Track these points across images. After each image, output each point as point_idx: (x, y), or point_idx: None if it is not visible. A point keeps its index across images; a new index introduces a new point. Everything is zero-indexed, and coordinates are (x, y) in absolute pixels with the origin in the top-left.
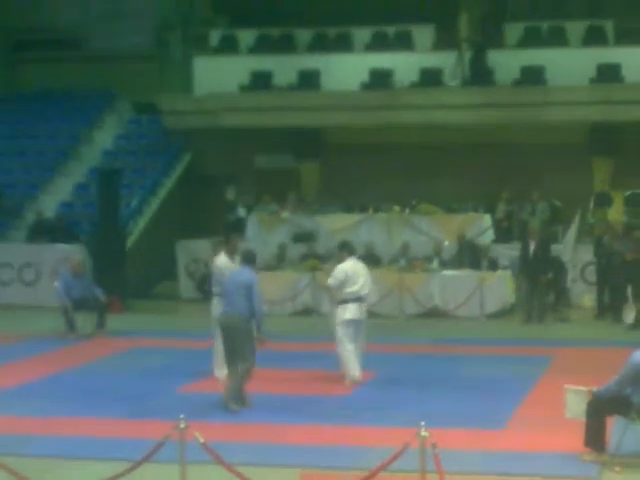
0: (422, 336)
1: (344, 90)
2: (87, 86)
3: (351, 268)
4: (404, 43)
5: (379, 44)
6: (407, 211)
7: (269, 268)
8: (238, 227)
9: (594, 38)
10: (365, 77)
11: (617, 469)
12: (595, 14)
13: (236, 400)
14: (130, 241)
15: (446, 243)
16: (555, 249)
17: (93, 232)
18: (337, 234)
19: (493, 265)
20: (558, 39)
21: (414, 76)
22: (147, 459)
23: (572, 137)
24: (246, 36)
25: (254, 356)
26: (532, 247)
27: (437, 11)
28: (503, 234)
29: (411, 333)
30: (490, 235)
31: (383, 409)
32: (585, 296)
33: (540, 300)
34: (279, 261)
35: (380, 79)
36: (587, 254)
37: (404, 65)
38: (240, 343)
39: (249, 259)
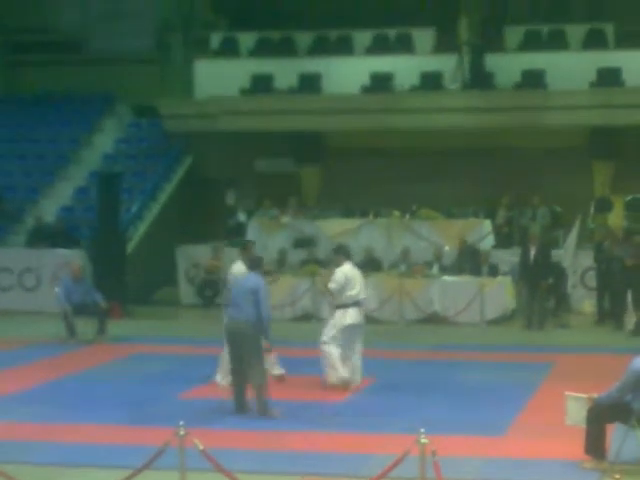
0: (422, 342)
1: (345, 93)
2: (87, 89)
3: (350, 272)
4: (405, 46)
5: (380, 47)
6: (407, 216)
7: (269, 273)
8: (238, 232)
9: (594, 42)
10: (366, 80)
11: (617, 476)
12: (595, 17)
13: (264, 405)
14: (130, 246)
15: (446, 249)
16: (555, 255)
17: (93, 237)
18: (337, 239)
19: (493, 271)
20: (558, 43)
21: (414, 79)
22: (147, 466)
23: (572, 141)
24: (247, 39)
25: (263, 363)
26: (532, 253)
27: (437, 14)
28: (503, 240)
29: (411, 339)
30: (490, 241)
31: (383, 415)
32: (585, 302)
33: (540, 306)
34: (279, 266)
35: (380, 82)
36: (587, 259)
37: (404, 68)
38: (247, 350)
39: (256, 265)
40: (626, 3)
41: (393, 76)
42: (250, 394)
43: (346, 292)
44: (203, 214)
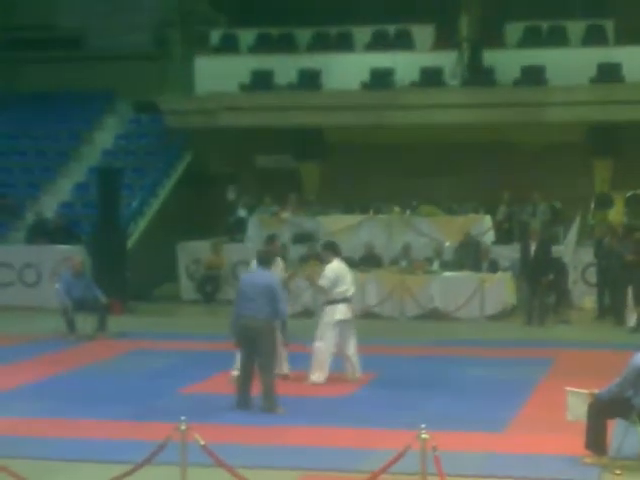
0: (423, 338)
1: (345, 89)
2: (87, 86)
3: (340, 268)
4: (404, 43)
5: (379, 44)
6: (408, 212)
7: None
8: (239, 228)
9: (594, 38)
10: (365, 77)
11: (618, 472)
12: (595, 14)
13: (274, 402)
14: (130, 242)
15: (447, 244)
16: (556, 250)
17: (93, 233)
18: (337, 235)
19: (494, 267)
20: (558, 39)
21: (414, 76)
22: (148, 461)
23: (573, 137)
24: (247, 35)
25: (275, 361)
26: (533, 249)
27: (437, 10)
28: (504, 236)
29: (412, 335)
30: (491, 236)
31: (384, 411)
32: (586, 298)
33: (541, 302)
34: None
35: (380, 78)
36: (588, 255)
37: (404, 64)
38: (260, 347)
39: (265, 260)
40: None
41: (393, 72)
42: (255, 390)
43: (336, 288)
44: (203, 210)
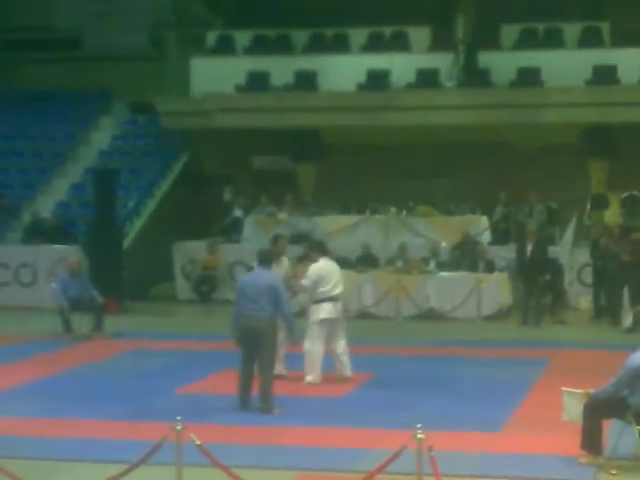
0: (419, 338)
1: (341, 91)
2: (84, 86)
3: (323, 268)
4: (400, 44)
5: (376, 45)
6: (404, 213)
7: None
8: (235, 228)
9: (590, 40)
10: (362, 78)
11: (613, 472)
12: (591, 15)
13: (270, 403)
14: (127, 242)
15: (443, 245)
16: (552, 251)
17: (90, 233)
18: (334, 236)
19: (490, 267)
20: (554, 40)
21: (410, 77)
22: (144, 461)
23: (569, 138)
24: (243, 37)
25: (274, 361)
26: (529, 249)
27: (433, 12)
28: (500, 236)
29: (408, 335)
30: (487, 237)
31: (380, 411)
32: (582, 298)
33: (537, 302)
34: None
35: (377, 80)
36: (584, 256)
37: (401, 66)
38: (262, 347)
39: (266, 260)
40: (622, 1)
41: (389, 73)
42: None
43: (319, 288)
44: (200, 210)
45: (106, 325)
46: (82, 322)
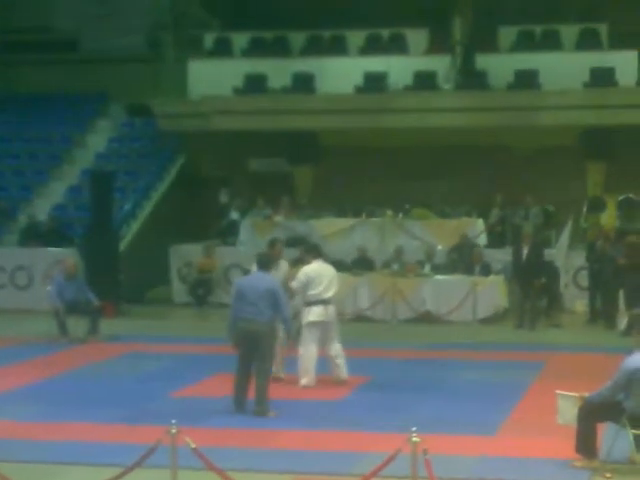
0: (415, 341)
1: (338, 93)
2: (80, 88)
3: (314, 270)
4: (398, 46)
5: (373, 47)
6: (400, 216)
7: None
8: (231, 231)
9: (588, 42)
10: (359, 80)
11: (608, 475)
12: (589, 18)
13: (266, 407)
14: (123, 245)
15: (439, 248)
16: (548, 254)
17: (86, 235)
18: (330, 238)
19: (486, 270)
20: (552, 43)
21: (408, 79)
22: (139, 464)
23: (566, 141)
24: (240, 39)
25: (271, 365)
26: (525, 252)
27: (431, 14)
28: (496, 239)
29: (404, 338)
30: (483, 240)
31: (375, 414)
32: (577, 301)
33: (533, 305)
34: None
35: (374, 82)
36: (580, 259)
37: (398, 68)
38: (261, 350)
39: (265, 263)
40: (619, 3)
41: (387, 76)
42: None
43: (310, 290)
44: (196, 213)
45: (102, 328)
46: (78, 325)
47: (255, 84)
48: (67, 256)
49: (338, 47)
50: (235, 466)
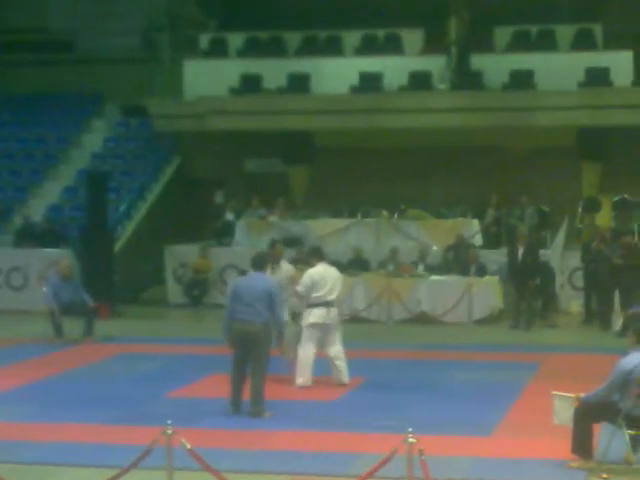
0: (410, 342)
1: (334, 93)
2: (76, 89)
3: (318, 273)
4: (393, 47)
5: (369, 48)
6: (396, 216)
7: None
8: (226, 231)
9: (583, 42)
10: (355, 80)
11: (604, 476)
12: (584, 18)
13: (262, 407)
14: (118, 245)
15: (434, 248)
16: (543, 254)
17: (81, 236)
18: (325, 239)
19: (481, 270)
20: (547, 43)
21: (403, 80)
22: (134, 465)
23: (561, 141)
24: (236, 39)
25: (267, 366)
26: (520, 252)
27: (426, 15)
28: (491, 239)
29: (399, 339)
30: (478, 240)
31: (371, 415)
32: (573, 302)
33: (528, 306)
34: None
35: (369, 82)
36: (575, 260)
37: (393, 69)
38: (258, 352)
39: (260, 264)
40: (614, 3)
41: (382, 76)
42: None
43: (314, 293)
44: (191, 214)
45: (97, 329)
46: (73, 326)
47: (250, 84)
48: (62, 257)
49: (333, 47)
50: (231, 467)
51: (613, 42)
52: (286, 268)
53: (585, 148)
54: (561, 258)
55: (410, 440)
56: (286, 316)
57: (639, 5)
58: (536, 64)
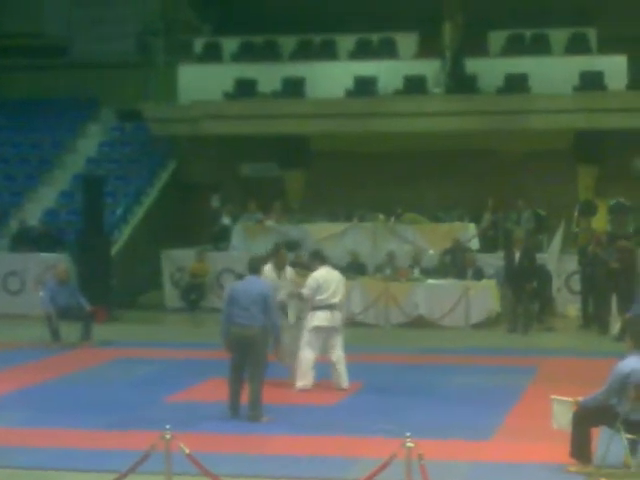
0: (407, 346)
1: (329, 98)
2: (71, 93)
3: (322, 276)
4: (388, 51)
5: (363, 52)
6: (392, 220)
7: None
8: (223, 236)
9: (577, 46)
10: (349, 84)
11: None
12: (578, 22)
13: (260, 411)
14: (115, 249)
15: (431, 252)
16: (540, 258)
17: (77, 240)
18: (322, 243)
19: (478, 274)
20: (541, 47)
21: (398, 83)
22: (133, 470)
23: (556, 145)
24: (230, 44)
25: (265, 370)
26: (517, 256)
27: (421, 19)
28: (488, 243)
29: (396, 343)
30: (475, 244)
31: (370, 419)
32: (570, 305)
33: (525, 309)
34: None
35: (364, 86)
36: (572, 263)
37: (388, 73)
38: (255, 356)
39: (255, 267)
40: (609, 7)
41: (377, 80)
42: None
43: (317, 296)
44: (187, 218)
45: (94, 333)
46: (70, 330)
47: (245, 89)
48: (59, 261)
49: (328, 51)
50: (229, 471)
51: (607, 46)
52: (290, 272)
53: (580, 151)
54: (558, 262)
55: (409, 444)
56: (292, 318)
57: (633, 9)
58: (530, 68)
